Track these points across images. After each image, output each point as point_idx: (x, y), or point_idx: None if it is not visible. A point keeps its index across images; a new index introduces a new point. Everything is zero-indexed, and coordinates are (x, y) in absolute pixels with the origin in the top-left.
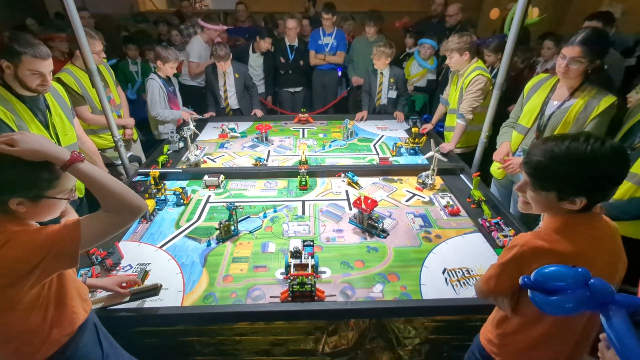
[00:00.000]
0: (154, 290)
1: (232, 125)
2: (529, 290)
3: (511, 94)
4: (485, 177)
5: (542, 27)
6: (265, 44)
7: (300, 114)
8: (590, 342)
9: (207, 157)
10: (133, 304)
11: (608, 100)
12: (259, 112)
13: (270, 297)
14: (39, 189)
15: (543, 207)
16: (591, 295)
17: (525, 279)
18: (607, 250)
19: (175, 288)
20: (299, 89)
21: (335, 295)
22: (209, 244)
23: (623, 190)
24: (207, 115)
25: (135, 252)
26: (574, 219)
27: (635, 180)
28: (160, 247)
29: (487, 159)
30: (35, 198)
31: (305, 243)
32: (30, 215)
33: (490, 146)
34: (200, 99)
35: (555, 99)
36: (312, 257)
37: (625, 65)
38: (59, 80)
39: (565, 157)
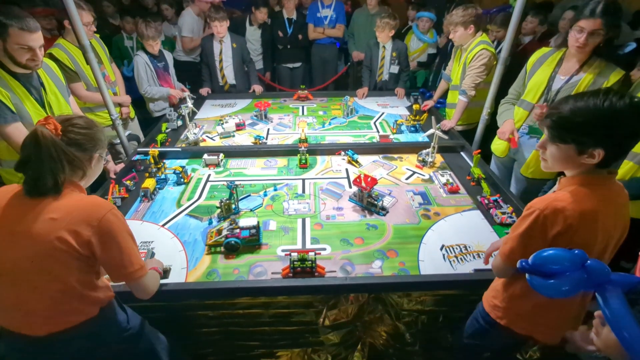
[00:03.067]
0: (164, 273)
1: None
2: (527, 274)
3: (516, 70)
4: (486, 155)
5: None
6: (262, 14)
7: (299, 91)
8: (585, 312)
9: (206, 136)
10: None
11: (617, 74)
12: (257, 88)
13: (272, 273)
14: (104, 147)
15: (562, 162)
16: (588, 277)
17: (524, 263)
18: (617, 212)
19: (179, 265)
20: (297, 64)
21: (335, 272)
22: (210, 222)
23: (624, 170)
24: (202, 91)
25: (138, 230)
26: (590, 179)
27: (637, 160)
28: (163, 225)
29: (488, 137)
30: (102, 154)
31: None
32: (92, 175)
33: (492, 123)
34: (197, 75)
35: (562, 74)
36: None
37: (634, 37)
38: (51, 56)
39: (585, 109)
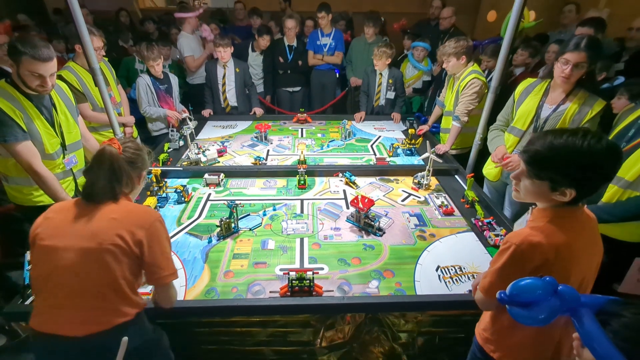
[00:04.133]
0: None
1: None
2: (507, 305)
3: (507, 97)
4: (479, 178)
5: (538, 29)
6: (264, 41)
7: (299, 114)
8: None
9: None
10: None
11: (600, 104)
12: (258, 111)
13: (270, 292)
14: (148, 167)
15: (534, 196)
16: (561, 302)
17: (502, 295)
18: (589, 240)
19: (177, 283)
20: (297, 88)
21: (332, 291)
22: (210, 241)
23: (610, 194)
24: (204, 112)
25: None
26: (561, 212)
27: (621, 184)
28: None
29: (480, 161)
30: (146, 172)
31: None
32: (138, 190)
33: (484, 148)
34: (211, 89)
35: (549, 103)
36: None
37: (615, 69)
38: (60, 78)
39: (563, 148)
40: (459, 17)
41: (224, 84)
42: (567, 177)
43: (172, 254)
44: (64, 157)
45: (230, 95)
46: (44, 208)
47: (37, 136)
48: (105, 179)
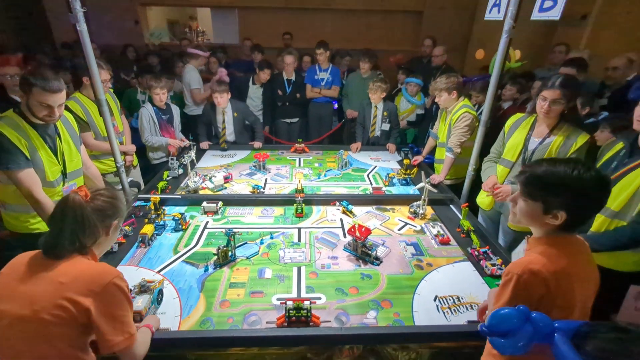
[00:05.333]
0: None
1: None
2: (488, 337)
3: (498, 130)
4: (474, 208)
5: (524, 68)
6: (265, 74)
7: (296, 144)
8: None
9: (205, 184)
10: None
11: (583, 137)
12: (257, 144)
13: (267, 322)
14: (123, 217)
15: (529, 217)
16: (534, 328)
17: (483, 327)
18: (585, 266)
19: (172, 313)
20: (295, 119)
21: (330, 321)
22: (206, 269)
23: (598, 224)
24: (203, 145)
25: (133, 276)
26: (557, 239)
27: (608, 214)
28: (158, 271)
29: (474, 191)
30: (120, 222)
31: None
32: (108, 242)
33: (477, 178)
34: (206, 125)
35: (535, 136)
36: None
37: (599, 105)
38: (66, 108)
39: (555, 172)
40: (449, 55)
41: (223, 128)
42: (558, 199)
43: (131, 313)
44: (63, 185)
45: (229, 134)
46: (39, 235)
47: (40, 164)
48: (68, 229)
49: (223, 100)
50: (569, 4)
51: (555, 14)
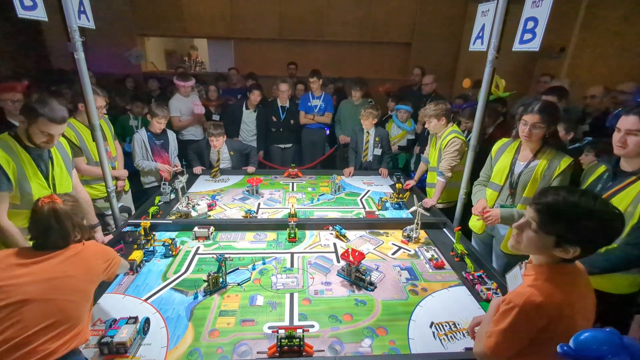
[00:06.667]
0: None
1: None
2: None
3: (486, 153)
4: (467, 232)
5: (510, 97)
6: (254, 96)
7: (290, 169)
8: None
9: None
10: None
11: (566, 161)
12: (250, 169)
13: (257, 352)
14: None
15: (536, 249)
16: (631, 357)
17: (565, 348)
18: (584, 292)
19: (158, 344)
20: (289, 145)
21: (323, 351)
22: (195, 297)
23: None
24: (196, 170)
25: (118, 305)
26: (559, 268)
27: None
28: (146, 299)
29: (467, 214)
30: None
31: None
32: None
33: (469, 202)
34: (198, 155)
35: (521, 160)
36: None
37: (582, 130)
38: None
39: (578, 205)
40: (437, 84)
41: (218, 167)
42: (577, 234)
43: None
44: None
45: (223, 165)
46: None
47: (28, 188)
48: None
49: (219, 143)
50: (546, 38)
51: (534, 46)
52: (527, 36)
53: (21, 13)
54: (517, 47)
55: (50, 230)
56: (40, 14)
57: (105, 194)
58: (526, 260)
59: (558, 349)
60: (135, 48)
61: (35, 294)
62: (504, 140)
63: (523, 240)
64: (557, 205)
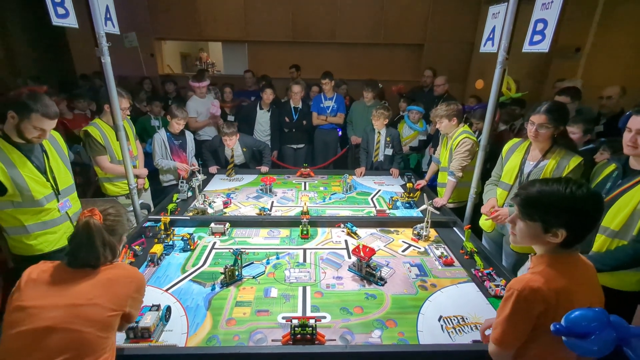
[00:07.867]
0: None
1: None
2: (563, 337)
3: (496, 153)
4: (478, 231)
5: (524, 97)
6: (267, 95)
7: (302, 169)
8: None
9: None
10: (138, 345)
11: (576, 160)
12: (264, 169)
13: (272, 340)
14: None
15: (529, 238)
16: (616, 333)
17: (557, 326)
18: (588, 285)
19: (179, 330)
20: (301, 145)
21: (335, 340)
22: (213, 288)
23: (599, 243)
24: (212, 169)
25: None
26: (559, 257)
27: (608, 233)
28: (166, 290)
29: (477, 213)
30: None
31: None
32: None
33: (479, 201)
34: (213, 153)
35: (530, 160)
36: None
37: (596, 131)
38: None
39: (549, 192)
40: (449, 85)
41: (232, 162)
42: (556, 218)
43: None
44: (58, 202)
45: (237, 162)
46: (42, 257)
47: (23, 183)
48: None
49: (232, 142)
50: (562, 38)
51: (544, 47)
52: (537, 37)
53: (55, 21)
54: (527, 48)
55: (81, 246)
56: (72, 21)
57: (127, 191)
58: (532, 254)
59: (551, 327)
60: (130, 33)
61: (59, 320)
62: (515, 140)
63: (517, 232)
64: (534, 195)
